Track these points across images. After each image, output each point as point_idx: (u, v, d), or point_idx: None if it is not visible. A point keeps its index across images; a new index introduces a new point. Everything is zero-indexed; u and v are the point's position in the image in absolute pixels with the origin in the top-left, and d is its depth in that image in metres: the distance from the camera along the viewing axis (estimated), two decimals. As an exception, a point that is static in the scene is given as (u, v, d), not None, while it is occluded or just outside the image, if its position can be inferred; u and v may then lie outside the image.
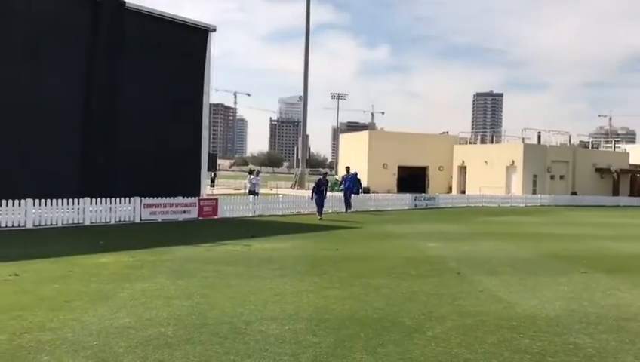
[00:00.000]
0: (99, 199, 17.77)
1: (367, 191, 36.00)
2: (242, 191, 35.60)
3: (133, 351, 5.37)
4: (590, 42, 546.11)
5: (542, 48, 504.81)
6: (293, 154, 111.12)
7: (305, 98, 53.67)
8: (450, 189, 47.15)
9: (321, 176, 24.08)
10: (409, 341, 5.94)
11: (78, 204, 17.31)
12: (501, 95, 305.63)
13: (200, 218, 20.16)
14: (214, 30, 22.78)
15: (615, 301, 8.25)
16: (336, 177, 46.62)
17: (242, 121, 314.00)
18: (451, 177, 48.50)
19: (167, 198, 19.52)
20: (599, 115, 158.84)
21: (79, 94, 18.60)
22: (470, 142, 51.83)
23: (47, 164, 17.35)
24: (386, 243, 14.92)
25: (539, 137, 45.95)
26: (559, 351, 5.76)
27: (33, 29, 17.28)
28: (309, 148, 72.40)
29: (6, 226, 15.63)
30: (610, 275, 10.41)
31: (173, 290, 8.14)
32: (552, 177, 44.09)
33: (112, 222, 17.99)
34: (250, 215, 22.16)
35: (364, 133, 54.12)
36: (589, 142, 55.85)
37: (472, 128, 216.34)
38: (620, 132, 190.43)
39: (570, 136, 49.15)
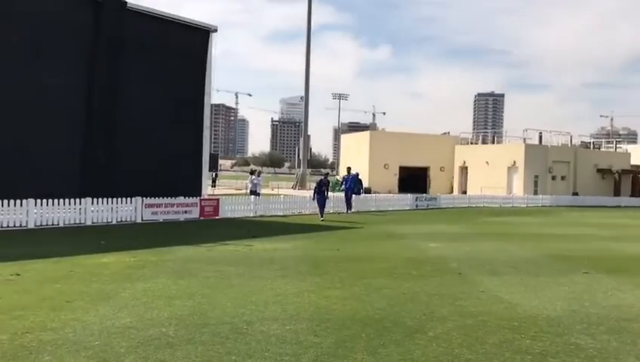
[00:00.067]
0: (100, 199, 17.79)
1: (368, 191, 36.00)
2: (244, 191, 35.60)
3: (135, 351, 5.38)
4: (592, 43, 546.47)
5: (543, 49, 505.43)
6: (294, 154, 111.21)
7: (306, 98, 53.71)
8: (452, 189, 47.15)
9: (323, 177, 24.05)
10: (410, 341, 5.94)
11: (80, 204, 17.33)
12: (502, 95, 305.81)
13: (201, 218, 20.18)
14: (216, 30, 22.79)
15: (616, 301, 8.24)
16: (337, 177, 46.62)
17: (244, 121, 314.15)
18: (452, 177, 48.51)
19: (169, 198, 19.54)
20: (601, 116, 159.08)
21: (80, 94, 18.63)
22: (471, 143, 51.84)
23: (48, 164, 17.38)
24: (387, 243, 14.92)
25: (540, 138, 45.94)
26: (560, 352, 5.75)
27: (34, 29, 17.31)
28: (311, 149, 72.41)
29: (8, 226, 15.65)
30: (612, 276, 10.40)
31: (175, 290, 8.14)
32: (553, 178, 44.07)
33: (114, 222, 18.00)
34: (252, 215, 22.17)
35: (366, 134, 54.11)
36: (590, 142, 55.84)
37: (474, 128, 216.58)
38: (621, 132, 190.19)
39: (571, 137, 49.25)
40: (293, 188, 49.54)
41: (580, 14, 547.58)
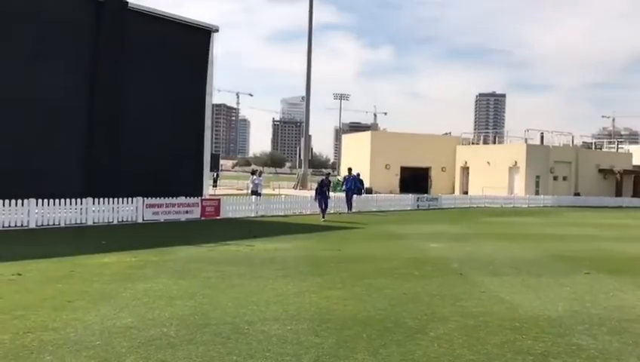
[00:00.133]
0: (101, 199, 17.79)
1: (369, 191, 35.99)
2: (245, 191, 35.61)
3: (136, 351, 5.38)
4: (593, 43, 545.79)
5: (545, 49, 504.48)
6: (295, 154, 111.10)
7: (307, 98, 53.70)
8: (453, 190, 47.13)
9: (324, 177, 24.04)
10: (411, 342, 5.94)
11: (81, 204, 17.34)
12: (504, 96, 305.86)
13: (202, 218, 20.18)
14: (217, 30, 22.81)
15: (618, 302, 8.23)
16: (338, 178, 46.63)
17: (245, 121, 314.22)
18: (454, 178, 48.48)
19: (170, 198, 19.54)
20: (602, 116, 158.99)
21: (82, 94, 18.64)
22: (473, 143, 51.80)
23: (49, 164, 17.40)
24: (388, 243, 14.91)
25: (542, 138, 45.87)
26: (562, 352, 5.75)
27: (36, 30, 17.34)
28: (312, 149, 72.24)
29: (9, 226, 15.67)
30: (614, 276, 10.38)
31: (176, 290, 8.14)
32: (554, 178, 44.02)
33: (115, 222, 18.01)
34: (253, 215, 22.17)
35: (367, 134, 54.11)
36: (592, 142, 55.80)
37: (475, 129, 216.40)
38: (622, 133, 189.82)
39: (573, 137, 49.16)
40: (295, 188, 49.53)
41: (581, 14, 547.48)
